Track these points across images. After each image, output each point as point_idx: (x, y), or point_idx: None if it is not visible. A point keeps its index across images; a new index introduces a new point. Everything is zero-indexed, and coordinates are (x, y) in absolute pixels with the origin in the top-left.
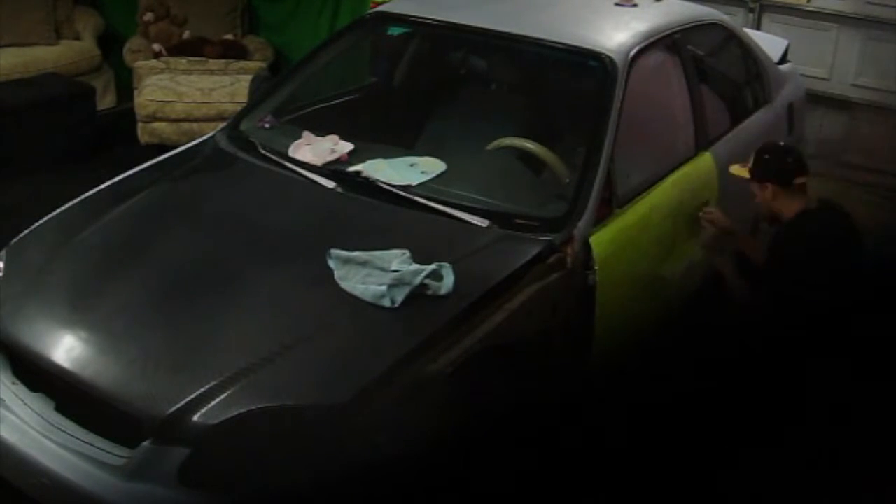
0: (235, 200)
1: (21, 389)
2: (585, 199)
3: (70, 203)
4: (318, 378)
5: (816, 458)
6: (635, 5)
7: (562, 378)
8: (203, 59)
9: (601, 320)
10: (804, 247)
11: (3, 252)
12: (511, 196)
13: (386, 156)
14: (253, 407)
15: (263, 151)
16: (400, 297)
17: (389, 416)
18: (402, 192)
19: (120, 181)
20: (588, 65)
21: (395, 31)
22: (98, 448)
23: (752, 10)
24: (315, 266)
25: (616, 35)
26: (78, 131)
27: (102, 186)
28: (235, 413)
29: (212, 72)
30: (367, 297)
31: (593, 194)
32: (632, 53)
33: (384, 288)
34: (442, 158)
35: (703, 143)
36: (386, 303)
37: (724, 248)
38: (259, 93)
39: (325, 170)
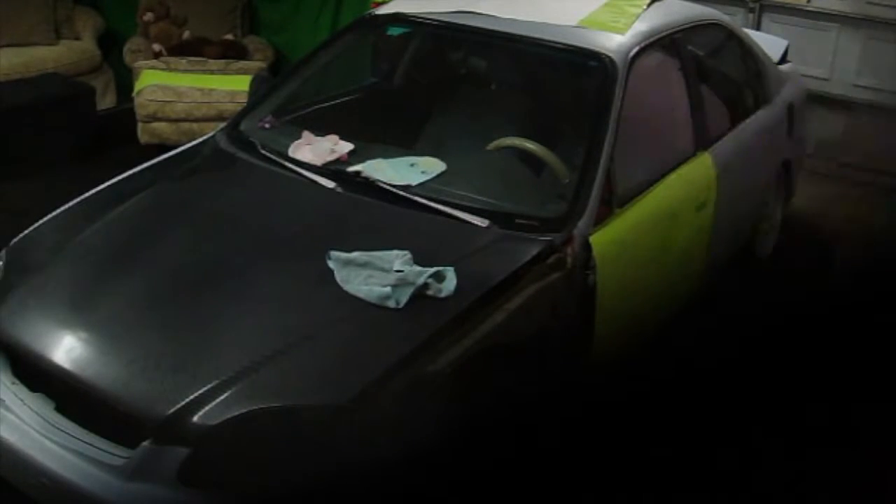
0: (235, 200)
1: (21, 389)
2: (585, 199)
3: (70, 203)
4: (319, 378)
5: (818, 455)
6: None
7: (562, 378)
8: (203, 59)
9: (601, 320)
10: None
11: (4, 252)
12: (511, 196)
13: (386, 156)
14: (253, 407)
15: (263, 151)
16: (404, 297)
17: (390, 417)
18: (401, 192)
19: (120, 181)
20: (588, 65)
21: (394, 31)
22: (98, 448)
23: (752, 10)
24: (315, 266)
25: (616, 35)
26: (78, 131)
27: (102, 186)
28: (236, 413)
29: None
30: (372, 299)
31: (593, 194)
32: (632, 53)
33: (388, 289)
34: (442, 158)
35: (702, 143)
36: (391, 304)
37: None
38: (259, 93)
39: (325, 170)
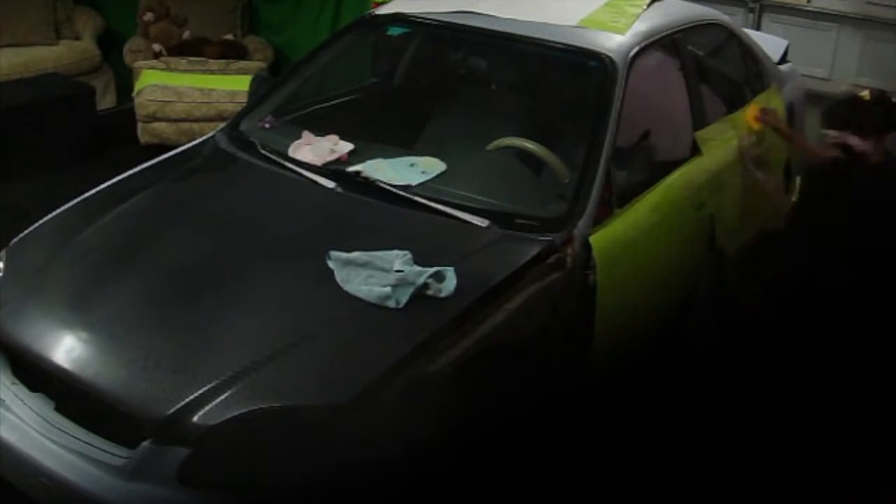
0: (235, 200)
1: (21, 389)
2: (585, 199)
3: (70, 203)
4: (319, 378)
5: (817, 455)
6: None
7: (562, 378)
8: (203, 59)
9: (601, 320)
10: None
11: (3, 252)
12: (511, 196)
13: (386, 156)
14: (253, 407)
15: (263, 151)
16: (404, 297)
17: (390, 416)
18: (401, 192)
19: (120, 181)
20: (588, 65)
21: (394, 31)
22: (98, 448)
23: (752, 10)
24: (315, 266)
25: (616, 35)
26: (78, 131)
27: (102, 186)
28: (236, 413)
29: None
30: (372, 299)
31: (593, 194)
32: (632, 53)
33: (388, 289)
34: (442, 158)
35: None
36: (391, 304)
37: (768, 163)
38: (259, 93)
39: (325, 170)
